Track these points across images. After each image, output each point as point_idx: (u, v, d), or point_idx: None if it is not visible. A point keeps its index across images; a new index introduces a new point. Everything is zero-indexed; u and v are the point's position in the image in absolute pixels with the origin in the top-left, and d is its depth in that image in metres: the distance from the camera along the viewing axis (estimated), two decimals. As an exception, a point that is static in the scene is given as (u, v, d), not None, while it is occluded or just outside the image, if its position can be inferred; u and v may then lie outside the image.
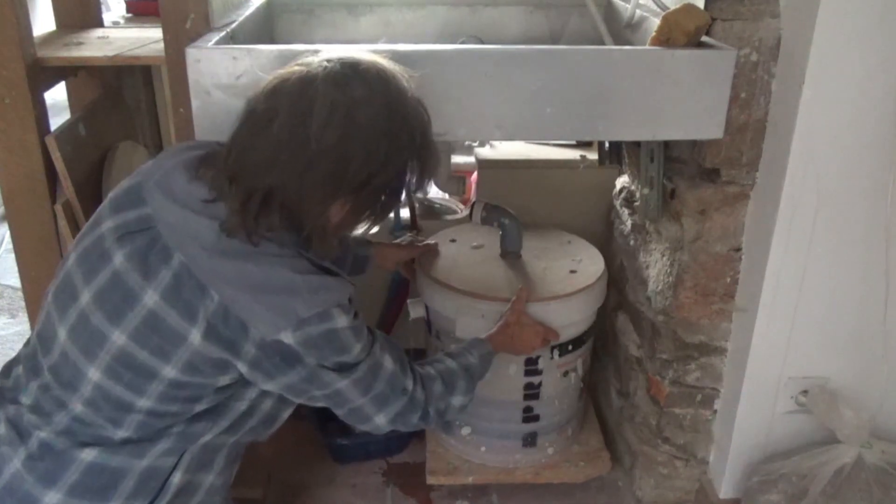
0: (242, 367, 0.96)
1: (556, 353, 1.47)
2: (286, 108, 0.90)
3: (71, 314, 0.97)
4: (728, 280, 1.35)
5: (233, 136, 0.95)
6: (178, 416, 0.99)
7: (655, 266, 1.46)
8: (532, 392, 1.51)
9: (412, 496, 1.59)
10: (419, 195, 0.94)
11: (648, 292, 1.48)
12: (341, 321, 0.97)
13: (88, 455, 0.96)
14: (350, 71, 0.92)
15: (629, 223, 1.62)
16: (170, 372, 0.94)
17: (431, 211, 2.05)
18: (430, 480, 1.58)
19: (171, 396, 0.96)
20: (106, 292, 0.95)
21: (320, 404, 1.04)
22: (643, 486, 1.55)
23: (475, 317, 1.42)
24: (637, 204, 1.58)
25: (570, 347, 1.49)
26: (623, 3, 1.55)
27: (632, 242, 1.60)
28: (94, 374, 0.95)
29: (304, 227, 0.96)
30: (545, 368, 1.48)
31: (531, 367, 1.47)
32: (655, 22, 1.20)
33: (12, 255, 1.44)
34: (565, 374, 1.52)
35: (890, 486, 1.25)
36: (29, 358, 1.03)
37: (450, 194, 2.06)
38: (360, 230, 1.03)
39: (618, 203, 1.71)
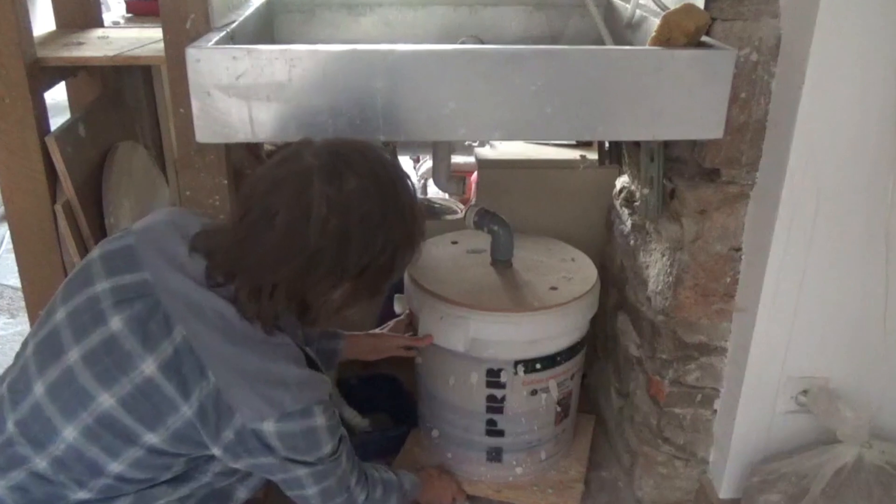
0: (216, 450, 0.98)
1: (520, 368, 1.43)
2: (285, 207, 0.92)
3: (52, 370, 0.96)
4: (728, 280, 1.35)
5: (233, 228, 0.98)
6: (144, 483, 1.00)
7: (655, 266, 1.46)
8: (495, 405, 1.47)
9: (412, 496, 1.59)
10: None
11: (648, 292, 1.48)
12: (320, 420, 1.01)
13: None
14: (342, 164, 0.94)
15: (629, 223, 1.62)
16: (152, 439, 0.95)
17: (431, 211, 2.06)
18: None
19: (145, 463, 0.97)
20: (98, 353, 0.95)
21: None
22: (643, 486, 1.55)
23: (435, 317, 1.41)
24: (637, 204, 1.58)
25: (537, 366, 1.44)
26: (623, 3, 1.55)
27: (632, 242, 1.60)
28: (70, 433, 0.95)
29: (309, 312, 1.00)
30: (508, 383, 1.44)
31: (493, 378, 1.44)
32: (655, 22, 1.20)
33: (12, 255, 1.44)
34: (533, 392, 1.46)
35: (890, 486, 1.25)
36: None
37: (450, 194, 2.06)
38: (360, 306, 1.05)
39: (618, 203, 1.71)
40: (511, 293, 1.44)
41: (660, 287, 1.43)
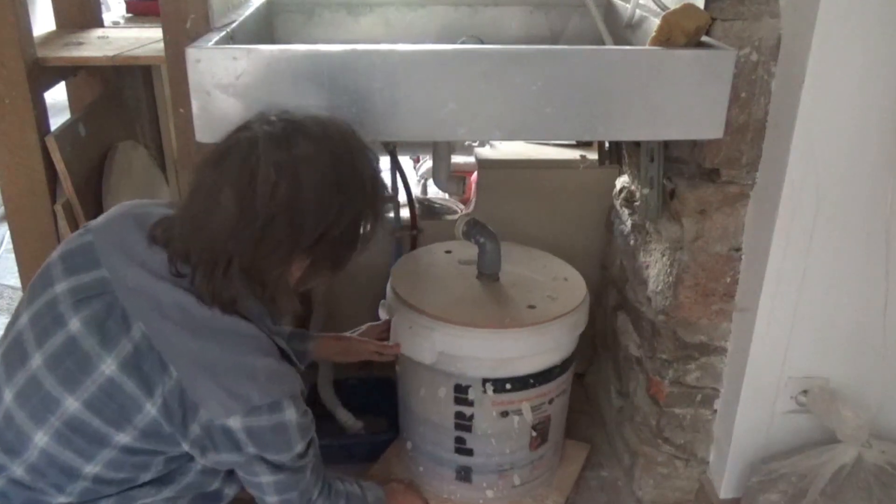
0: (184, 444, 0.96)
1: (489, 387, 1.36)
2: (232, 177, 0.89)
3: (19, 377, 0.95)
4: (728, 280, 1.35)
5: (183, 208, 0.94)
6: (124, 484, 0.98)
7: (655, 266, 1.46)
8: (463, 423, 1.41)
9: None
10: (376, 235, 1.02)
11: (648, 292, 1.48)
12: (290, 414, 0.98)
13: None
14: (292, 129, 0.92)
15: (629, 223, 1.62)
16: (123, 439, 0.94)
17: (431, 211, 2.06)
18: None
19: (120, 463, 0.96)
20: (59, 357, 0.93)
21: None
22: (643, 486, 1.55)
23: (405, 326, 1.37)
24: (637, 204, 1.58)
25: (507, 387, 1.37)
26: (623, 3, 1.55)
27: (632, 242, 1.60)
28: (41, 438, 0.94)
29: (266, 287, 0.96)
30: (476, 401, 1.38)
31: (461, 394, 1.38)
32: (655, 22, 1.20)
33: (12, 255, 1.44)
34: (504, 413, 1.39)
35: (890, 486, 1.25)
36: None
37: (450, 194, 2.06)
38: (321, 281, 1.02)
39: (618, 203, 1.71)
40: (485, 308, 1.39)
41: (660, 287, 1.43)
